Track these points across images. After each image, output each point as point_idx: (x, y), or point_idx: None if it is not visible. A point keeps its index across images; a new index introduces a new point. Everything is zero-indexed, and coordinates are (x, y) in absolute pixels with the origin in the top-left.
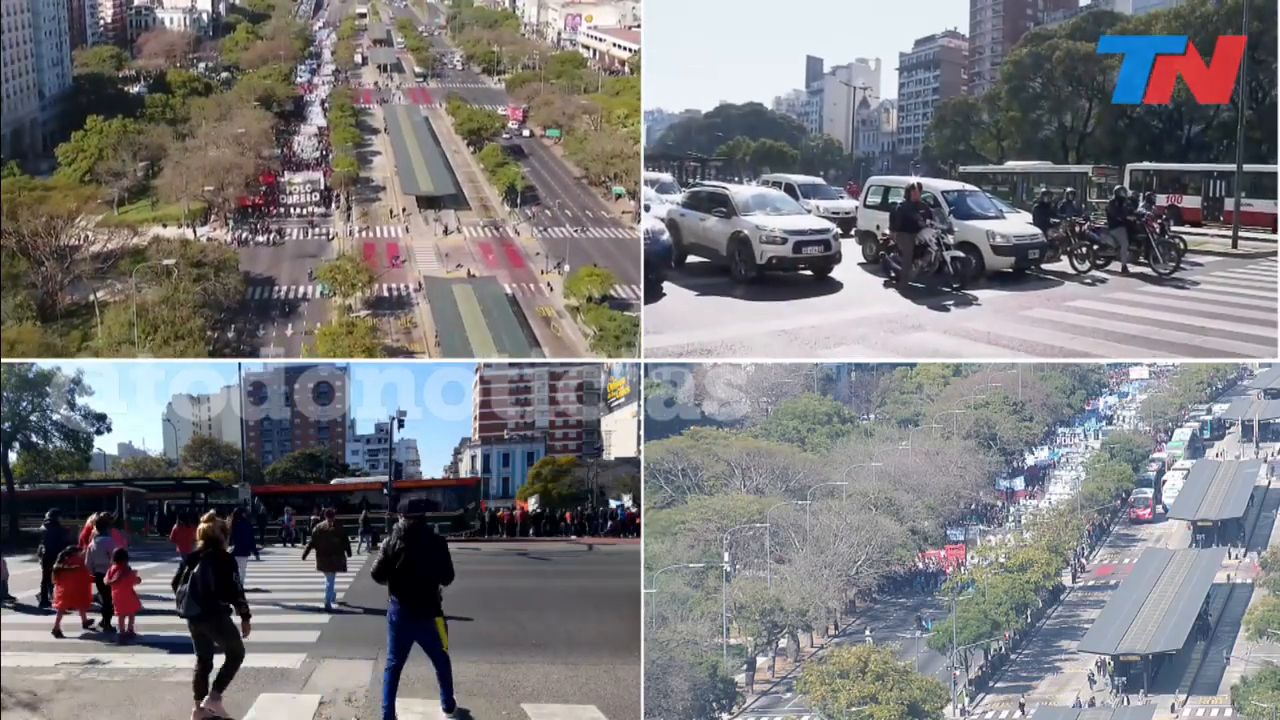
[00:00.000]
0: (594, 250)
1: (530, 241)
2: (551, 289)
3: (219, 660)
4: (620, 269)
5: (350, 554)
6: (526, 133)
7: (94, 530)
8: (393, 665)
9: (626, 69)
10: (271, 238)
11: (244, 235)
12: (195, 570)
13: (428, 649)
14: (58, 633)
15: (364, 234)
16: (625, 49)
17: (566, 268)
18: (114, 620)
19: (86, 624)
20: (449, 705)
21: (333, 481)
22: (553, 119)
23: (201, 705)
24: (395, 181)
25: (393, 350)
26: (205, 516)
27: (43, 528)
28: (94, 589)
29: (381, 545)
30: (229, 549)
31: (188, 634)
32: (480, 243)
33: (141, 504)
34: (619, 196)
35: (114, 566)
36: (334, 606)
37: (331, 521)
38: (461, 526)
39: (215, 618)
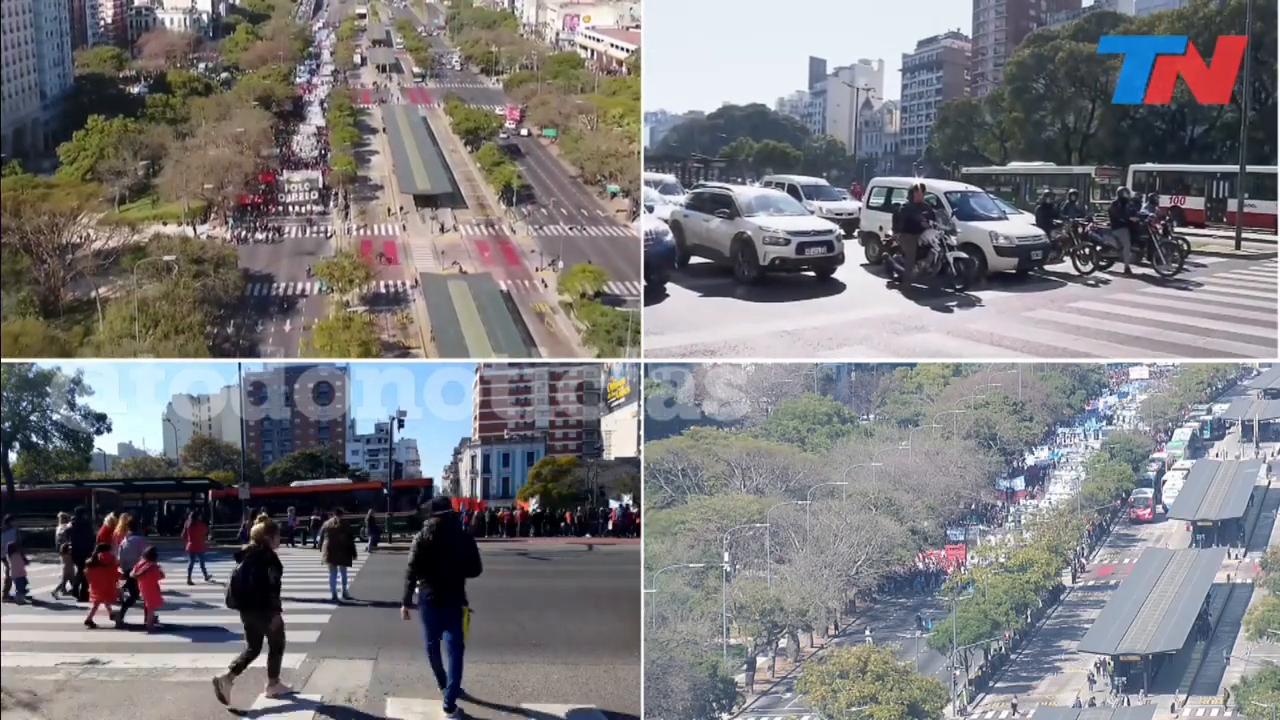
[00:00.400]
0: (588, 248)
1: (526, 239)
2: (546, 285)
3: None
4: (614, 266)
5: (355, 555)
6: (524, 132)
7: (124, 529)
8: (430, 646)
9: (624, 69)
10: (270, 235)
11: (243, 233)
12: (239, 567)
13: (448, 637)
14: (90, 624)
15: (362, 232)
16: (622, 49)
17: (561, 264)
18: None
19: (112, 615)
20: (450, 704)
21: (293, 484)
22: (549, 119)
23: (229, 681)
24: (393, 180)
25: (389, 345)
26: (260, 517)
27: (67, 526)
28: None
29: (415, 539)
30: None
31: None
32: (476, 240)
33: (113, 505)
34: (614, 195)
35: (142, 562)
36: (341, 597)
37: (339, 520)
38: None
39: (255, 610)
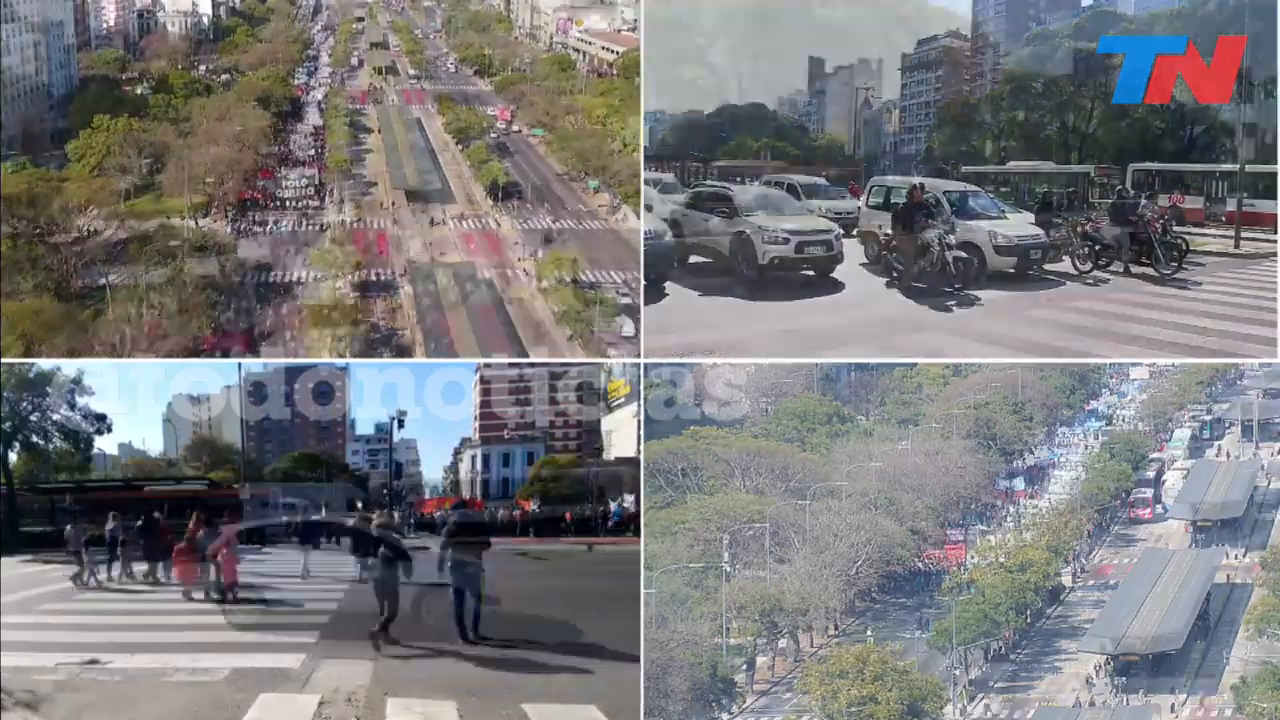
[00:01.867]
0: (570, 240)
1: (510, 232)
2: (528, 274)
3: None
4: (592, 256)
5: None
6: (517, 129)
7: (197, 524)
8: (457, 605)
9: (614, 71)
10: (269, 228)
11: (243, 226)
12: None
13: (471, 593)
14: (188, 596)
15: (355, 225)
16: (613, 52)
17: (542, 254)
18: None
19: (188, 596)
20: (470, 637)
21: (146, 489)
22: (538, 119)
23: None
24: (386, 177)
25: (378, 328)
26: (379, 513)
27: (137, 524)
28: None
29: (446, 528)
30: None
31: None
32: (464, 233)
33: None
34: (595, 190)
35: (224, 549)
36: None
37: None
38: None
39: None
